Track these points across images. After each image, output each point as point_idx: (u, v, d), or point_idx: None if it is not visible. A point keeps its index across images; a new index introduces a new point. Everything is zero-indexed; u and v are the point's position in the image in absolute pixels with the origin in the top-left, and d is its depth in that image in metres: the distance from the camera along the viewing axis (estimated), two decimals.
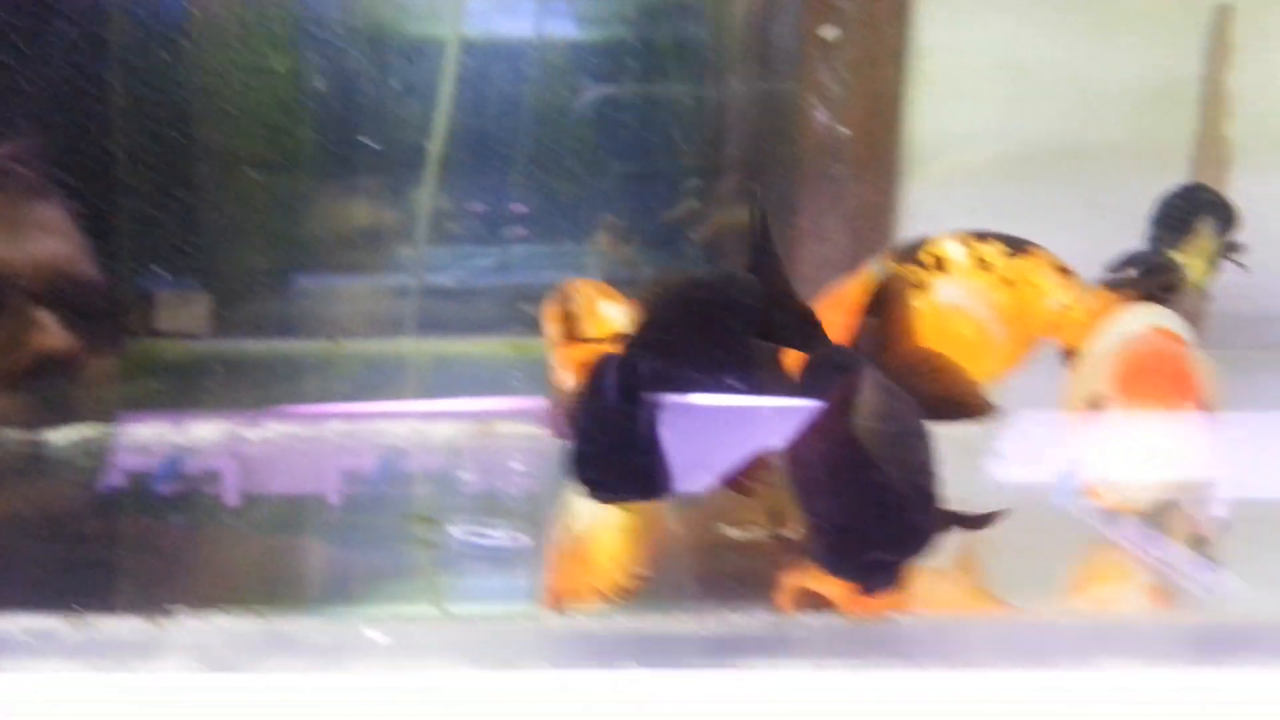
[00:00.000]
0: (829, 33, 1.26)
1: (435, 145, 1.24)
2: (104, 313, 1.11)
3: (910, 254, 0.87)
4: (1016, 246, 0.87)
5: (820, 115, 1.27)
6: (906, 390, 0.68)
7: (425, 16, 1.31)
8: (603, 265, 1.30)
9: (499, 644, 0.71)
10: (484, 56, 1.29)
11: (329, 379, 1.23)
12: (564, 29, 1.35)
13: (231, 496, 1.05)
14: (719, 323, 0.74)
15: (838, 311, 0.83)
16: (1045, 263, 0.87)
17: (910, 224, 1.31)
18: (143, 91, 1.17)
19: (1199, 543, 0.90)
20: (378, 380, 1.26)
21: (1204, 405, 0.88)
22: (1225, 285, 1.30)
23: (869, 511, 0.67)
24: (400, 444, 1.14)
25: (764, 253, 0.74)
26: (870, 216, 1.30)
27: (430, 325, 1.30)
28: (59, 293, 1.07)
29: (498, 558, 0.90)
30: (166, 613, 0.71)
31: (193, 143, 1.22)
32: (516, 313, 1.20)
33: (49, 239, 1.09)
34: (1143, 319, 0.94)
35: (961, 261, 0.86)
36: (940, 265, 0.86)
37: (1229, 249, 1.07)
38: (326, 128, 1.28)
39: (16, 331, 1.06)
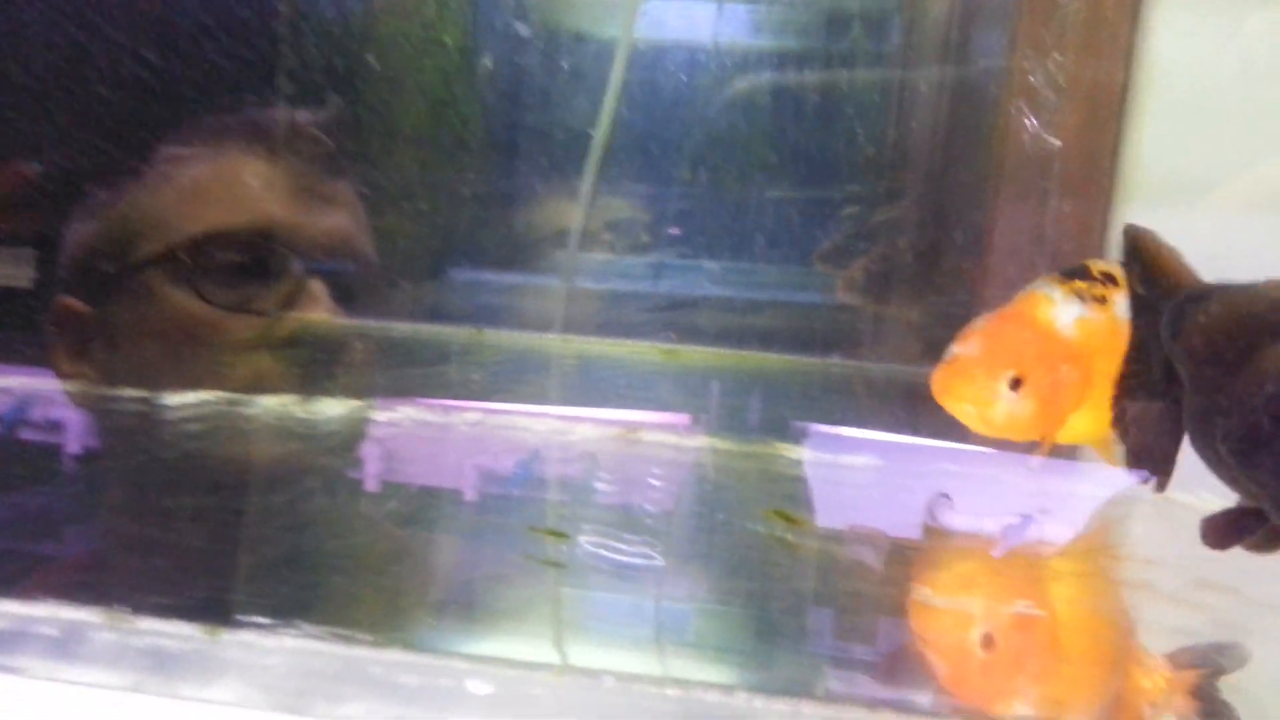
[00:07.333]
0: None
1: (599, 140, 1.19)
2: (370, 290, 1.10)
3: (1082, 272, 0.83)
4: None
5: (1029, 124, 1.14)
6: None
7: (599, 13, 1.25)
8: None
9: (624, 710, 0.59)
10: (656, 60, 1.23)
11: (469, 369, 1.20)
12: (740, 35, 1.26)
13: (371, 482, 1.01)
14: None
15: (1010, 330, 0.80)
16: None
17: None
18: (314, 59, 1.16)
19: None
20: (520, 374, 1.21)
21: None
22: None
23: None
24: (540, 445, 1.08)
25: None
26: (1075, 239, 1.17)
27: (577, 325, 1.24)
28: (336, 266, 1.07)
29: (627, 575, 0.82)
30: (228, 622, 0.60)
31: (368, 118, 1.20)
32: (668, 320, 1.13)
33: (337, 212, 1.08)
34: None
35: (1125, 279, 0.82)
36: (1113, 280, 0.82)
37: None
38: (492, 111, 1.24)
39: (290, 298, 1.05)
